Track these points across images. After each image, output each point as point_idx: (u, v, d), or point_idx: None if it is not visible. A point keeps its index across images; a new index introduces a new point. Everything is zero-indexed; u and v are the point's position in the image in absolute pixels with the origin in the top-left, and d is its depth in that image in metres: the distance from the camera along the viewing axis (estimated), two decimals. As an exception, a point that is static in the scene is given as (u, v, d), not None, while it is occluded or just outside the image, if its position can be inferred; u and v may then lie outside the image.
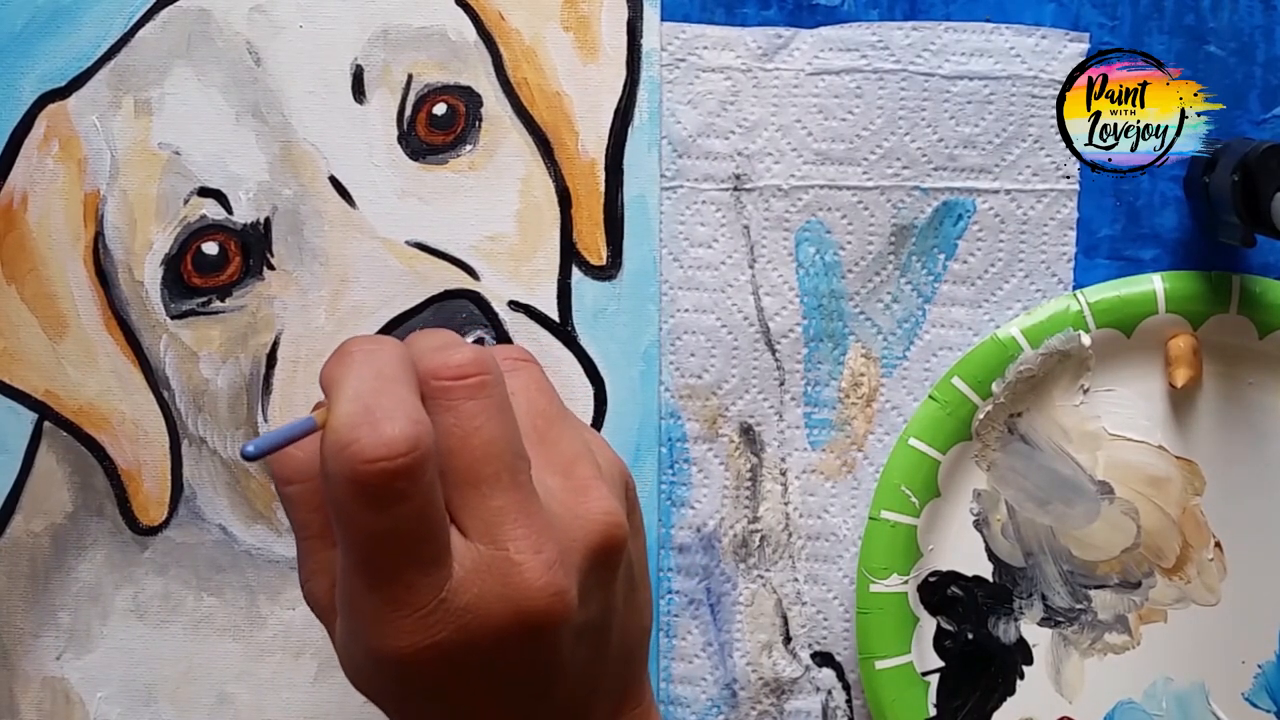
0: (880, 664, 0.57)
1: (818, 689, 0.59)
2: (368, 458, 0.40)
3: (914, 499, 0.57)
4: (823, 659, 0.59)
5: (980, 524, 0.58)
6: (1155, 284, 0.57)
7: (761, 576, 0.59)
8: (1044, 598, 0.58)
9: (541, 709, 0.46)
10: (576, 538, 0.45)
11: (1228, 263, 0.58)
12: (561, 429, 0.48)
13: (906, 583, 0.57)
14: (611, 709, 0.49)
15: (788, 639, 0.59)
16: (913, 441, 0.57)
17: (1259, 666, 0.58)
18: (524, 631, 0.43)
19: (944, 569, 0.58)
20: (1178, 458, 0.58)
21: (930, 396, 0.57)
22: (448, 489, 0.43)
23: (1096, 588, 0.58)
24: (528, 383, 0.48)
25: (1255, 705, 0.58)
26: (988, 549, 0.58)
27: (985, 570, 0.58)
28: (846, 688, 0.59)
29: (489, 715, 0.45)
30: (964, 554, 0.58)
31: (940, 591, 0.58)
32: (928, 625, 0.58)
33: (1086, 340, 0.57)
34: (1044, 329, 0.57)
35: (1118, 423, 0.58)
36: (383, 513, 0.41)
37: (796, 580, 0.59)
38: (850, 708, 0.59)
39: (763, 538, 0.59)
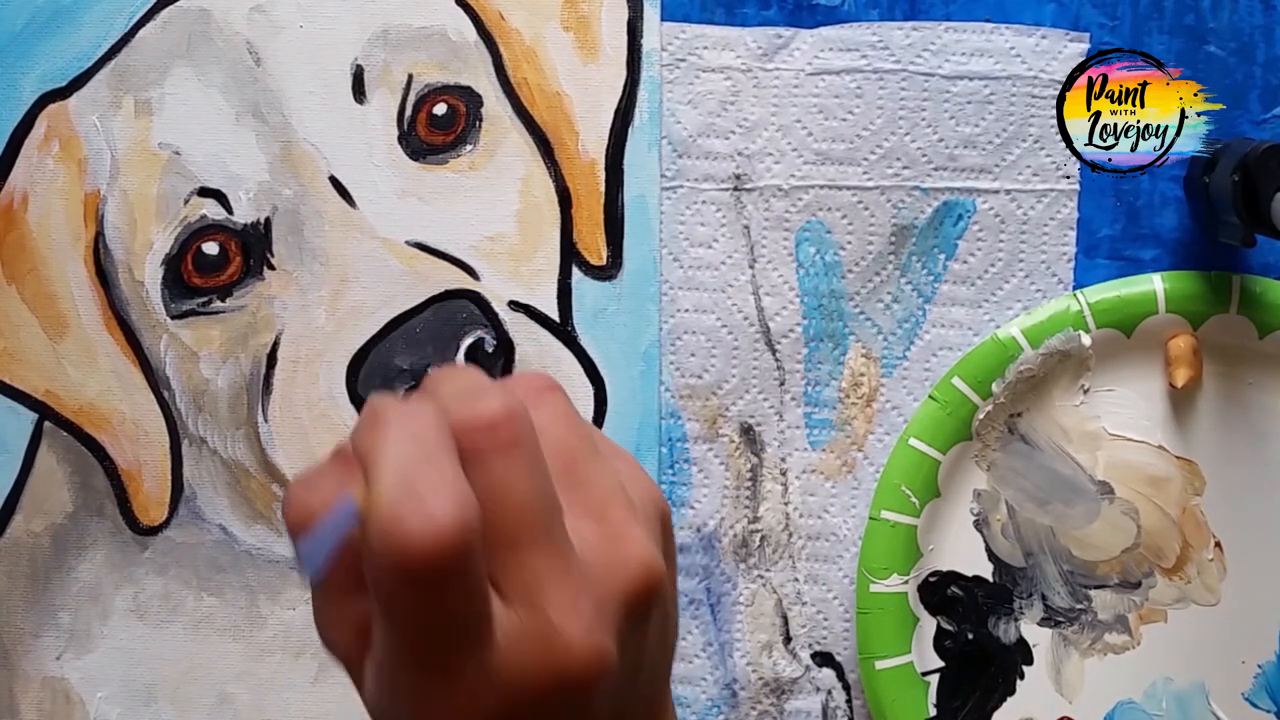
0: (880, 664, 0.57)
1: (818, 689, 0.59)
2: (415, 544, 0.38)
3: (914, 499, 0.57)
4: (823, 659, 0.59)
5: (980, 524, 0.58)
6: (1155, 284, 0.57)
7: (762, 576, 0.59)
8: (1044, 598, 0.58)
9: None
10: (614, 589, 0.43)
11: (1228, 263, 0.58)
12: (592, 466, 0.46)
13: (907, 583, 0.57)
14: None
15: (788, 639, 0.59)
16: (913, 441, 0.57)
17: (1259, 666, 0.58)
18: (564, 694, 0.42)
19: (944, 569, 0.58)
20: (1178, 458, 0.58)
21: (930, 396, 0.57)
22: (483, 551, 0.42)
23: (1096, 588, 0.58)
24: (555, 418, 0.47)
25: (1255, 705, 0.58)
26: (988, 549, 0.58)
27: (985, 570, 0.58)
28: (846, 688, 0.59)
29: None
30: (964, 554, 0.58)
31: (940, 591, 0.58)
32: (928, 625, 0.58)
33: (1086, 340, 0.57)
34: (1044, 329, 0.57)
35: (1118, 423, 0.58)
36: (429, 596, 0.39)
37: (796, 580, 0.59)
38: (850, 708, 0.59)
39: (763, 538, 0.59)
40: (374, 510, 0.39)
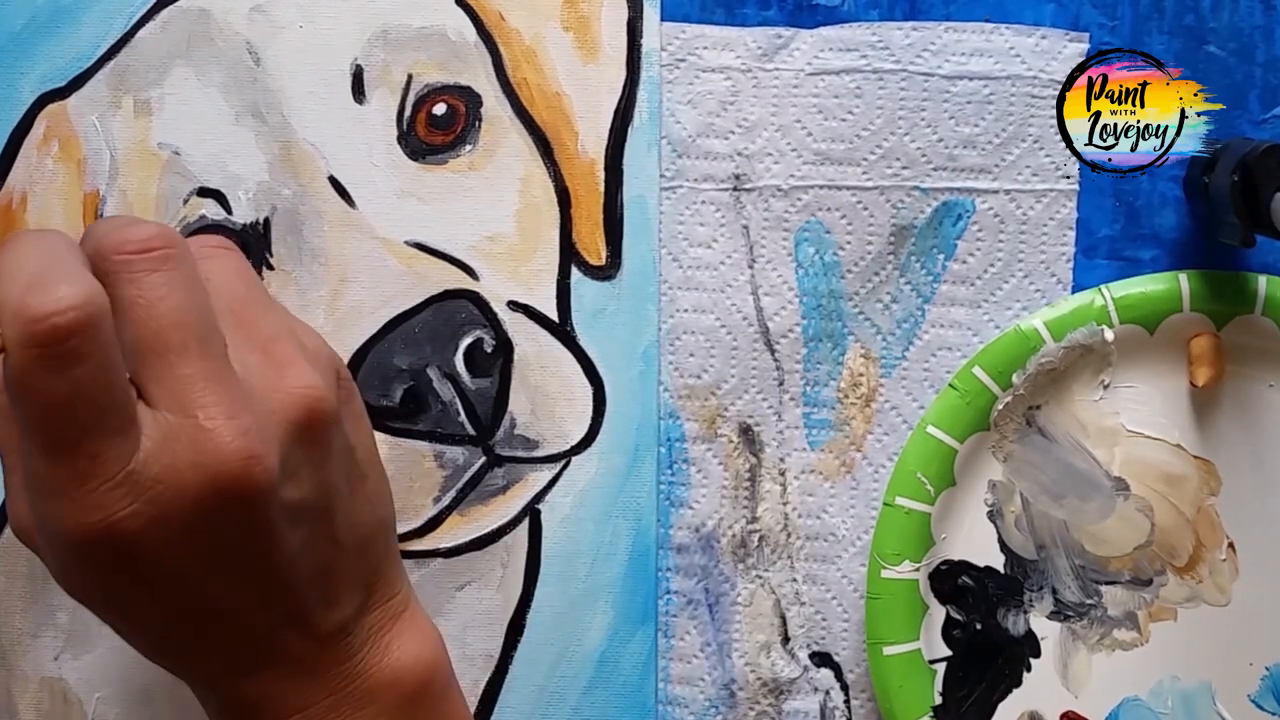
0: (889, 650, 0.56)
1: (816, 689, 0.59)
2: (37, 315, 0.39)
3: (929, 486, 0.57)
4: (821, 659, 0.58)
5: (994, 515, 0.58)
6: (1180, 282, 0.57)
7: (760, 577, 0.59)
8: (1054, 591, 0.58)
9: (267, 587, 0.45)
10: (275, 409, 0.44)
11: (1227, 263, 0.58)
12: (261, 312, 0.47)
13: (918, 570, 0.57)
14: (362, 600, 0.49)
15: (786, 639, 0.58)
16: (931, 429, 0.57)
17: (1266, 669, 0.58)
18: (221, 499, 0.42)
19: (956, 558, 0.58)
20: (1195, 457, 0.58)
21: (950, 385, 0.57)
22: (133, 362, 0.43)
23: (1108, 583, 0.58)
24: (225, 268, 0.48)
25: (1261, 708, 0.58)
26: (1000, 540, 0.58)
27: (997, 561, 0.58)
28: (845, 688, 0.58)
29: (204, 591, 0.45)
30: (976, 544, 0.58)
31: (951, 580, 0.58)
32: (937, 614, 0.58)
33: (1109, 335, 0.57)
34: (1067, 322, 0.57)
35: (1136, 419, 0.58)
36: (60, 375, 0.40)
37: (795, 580, 0.59)
38: (849, 708, 0.58)
39: (761, 538, 0.59)
40: (4, 308, 0.40)
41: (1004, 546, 0.58)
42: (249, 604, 0.46)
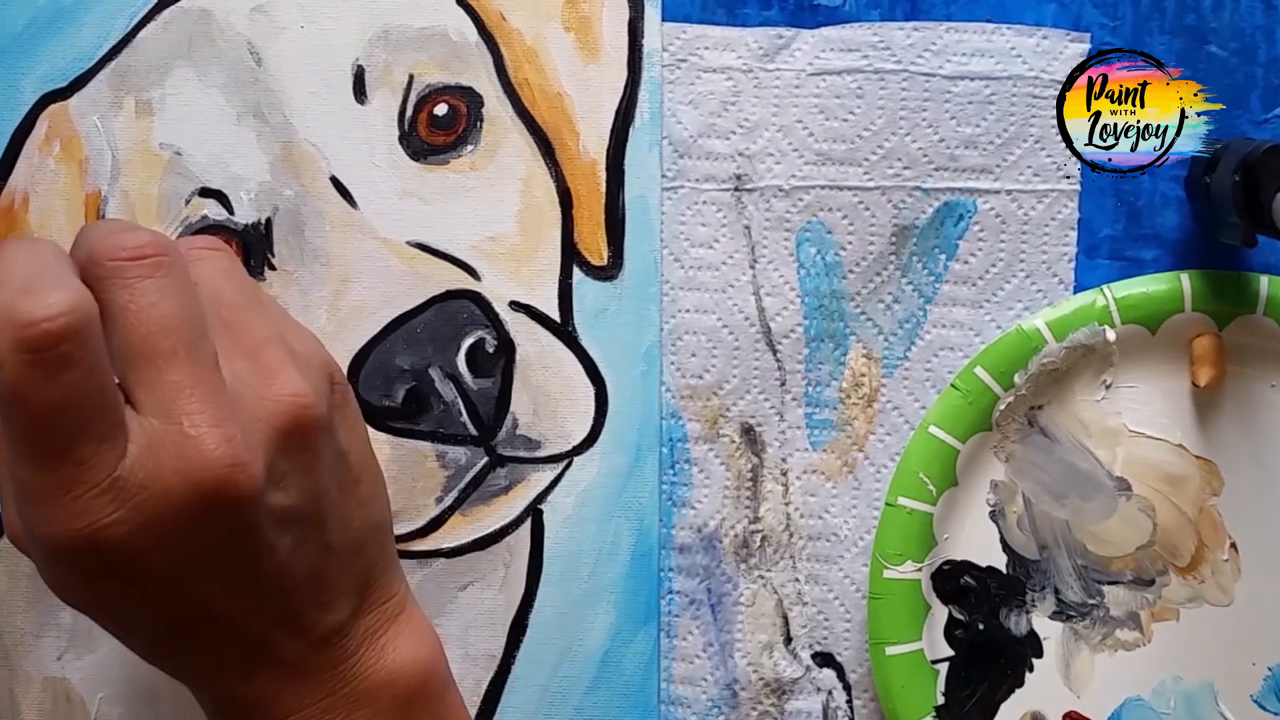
0: (891, 650, 0.57)
1: (818, 689, 0.59)
2: (28, 320, 0.40)
3: (931, 487, 0.57)
4: (823, 659, 0.58)
5: (996, 515, 0.58)
6: (1182, 282, 0.57)
7: (762, 577, 0.59)
8: (1057, 591, 0.58)
9: (258, 591, 0.46)
10: (261, 417, 0.45)
11: (1228, 263, 0.58)
12: (250, 316, 0.48)
13: (920, 570, 0.57)
14: (357, 602, 0.49)
15: (788, 639, 0.58)
16: (933, 429, 0.57)
17: (1269, 669, 0.58)
18: (206, 506, 0.43)
19: (958, 558, 0.58)
20: (1197, 457, 0.58)
21: (952, 385, 0.57)
22: (122, 367, 0.43)
23: (1110, 584, 0.58)
24: (214, 271, 0.48)
25: (1264, 708, 0.58)
26: (1002, 540, 0.58)
27: (999, 561, 0.58)
28: (847, 688, 0.58)
29: (195, 596, 0.45)
30: (979, 544, 0.58)
31: (953, 581, 0.58)
32: (939, 614, 0.58)
33: (1111, 335, 0.57)
34: (1069, 322, 0.57)
35: (1138, 419, 0.58)
36: (50, 380, 0.40)
37: (797, 580, 0.59)
38: (851, 708, 0.58)
39: (764, 538, 0.59)
40: None
41: (1006, 546, 0.58)
42: (241, 608, 0.46)
